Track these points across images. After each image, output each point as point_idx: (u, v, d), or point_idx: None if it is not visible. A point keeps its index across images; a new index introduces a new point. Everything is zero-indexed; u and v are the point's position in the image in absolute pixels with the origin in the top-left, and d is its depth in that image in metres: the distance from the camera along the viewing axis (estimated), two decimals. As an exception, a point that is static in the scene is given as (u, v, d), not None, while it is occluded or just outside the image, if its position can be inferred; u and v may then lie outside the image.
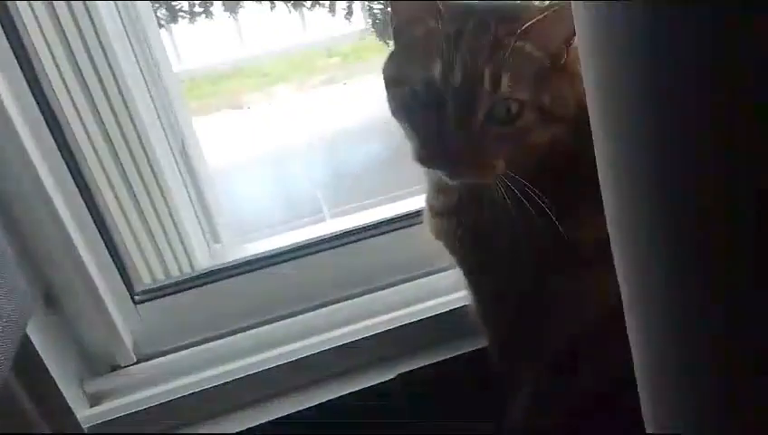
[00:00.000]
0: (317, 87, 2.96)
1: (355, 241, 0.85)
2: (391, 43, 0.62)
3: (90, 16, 0.84)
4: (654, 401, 0.37)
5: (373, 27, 2.44)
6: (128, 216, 0.94)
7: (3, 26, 0.67)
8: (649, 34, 0.27)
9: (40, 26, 0.78)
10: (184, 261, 1.07)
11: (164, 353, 0.81)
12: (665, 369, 0.35)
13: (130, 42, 0.99)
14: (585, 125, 0.61)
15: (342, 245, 0.86)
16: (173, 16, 2.20)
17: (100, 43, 0.86)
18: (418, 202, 0.84)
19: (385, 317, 0.82)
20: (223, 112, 2.84)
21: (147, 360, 0.80)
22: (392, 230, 0.86)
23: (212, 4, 2.19)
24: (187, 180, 1.11)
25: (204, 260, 1.11)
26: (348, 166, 2.34)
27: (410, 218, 0.85)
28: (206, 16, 2.18)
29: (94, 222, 0.77)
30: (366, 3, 2.33)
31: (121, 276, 0.79)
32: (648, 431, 0.37)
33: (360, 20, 2.44)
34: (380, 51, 2.88)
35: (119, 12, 0.97)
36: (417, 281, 0.86)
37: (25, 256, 0.72)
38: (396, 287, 0.86)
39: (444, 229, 0.68)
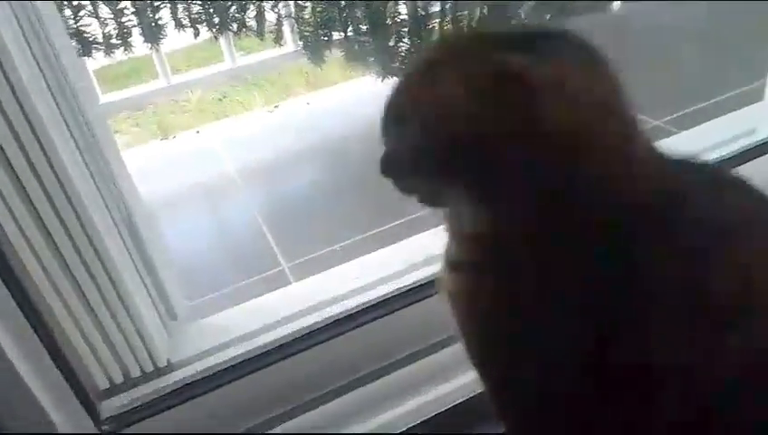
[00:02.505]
0: (244, 114, 2.82)
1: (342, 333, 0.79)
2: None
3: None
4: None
5: (305, 50, 2.35)
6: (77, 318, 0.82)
7: None
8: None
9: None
10: (140, 348, 0.95)
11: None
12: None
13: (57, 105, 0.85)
14: None
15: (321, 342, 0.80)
16: (86, 49, 1.99)
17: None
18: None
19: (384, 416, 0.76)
20: (143, 145, 2.66)
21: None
22: (379, 317, 0.81)
23: (130, 34, 1.99)
24: (136, 256, 0.99)
25: (161, 342, 1.00)
26: (292, 198, 2.21)
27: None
28: (125, 49, 1.98)
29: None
30: (296, 26, 2.23)
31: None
32: None
33: (290, 44, 2.34)
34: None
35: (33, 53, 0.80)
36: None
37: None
38: (384, 378, 0.81)
39: (455, 287, 0.51)
